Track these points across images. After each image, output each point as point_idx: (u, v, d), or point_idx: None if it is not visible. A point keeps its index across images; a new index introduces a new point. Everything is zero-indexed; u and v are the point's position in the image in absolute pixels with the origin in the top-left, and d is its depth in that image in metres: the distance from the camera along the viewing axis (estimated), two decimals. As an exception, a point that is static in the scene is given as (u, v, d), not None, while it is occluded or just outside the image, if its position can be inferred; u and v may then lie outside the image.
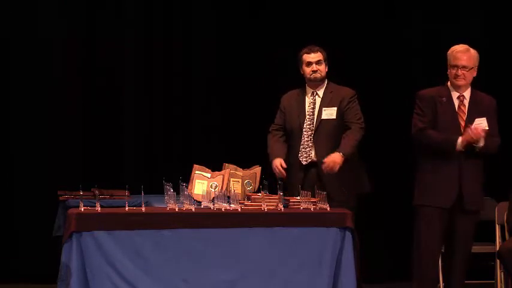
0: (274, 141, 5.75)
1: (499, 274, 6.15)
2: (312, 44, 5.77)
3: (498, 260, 5.92)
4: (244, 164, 5.51)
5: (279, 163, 5.56)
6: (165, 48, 7.12)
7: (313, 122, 5.65)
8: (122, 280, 4.67)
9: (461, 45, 5.28)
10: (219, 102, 7.19)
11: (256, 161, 5.54)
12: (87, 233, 4.64)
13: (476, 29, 7.20)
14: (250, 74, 7.11)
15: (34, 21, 6.95)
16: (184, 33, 7.16)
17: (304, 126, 5.65)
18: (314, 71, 5.67)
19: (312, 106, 5.70)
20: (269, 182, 5.27)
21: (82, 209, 4.77)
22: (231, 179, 5.34)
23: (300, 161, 5.65)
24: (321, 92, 5.72)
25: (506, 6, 7.24)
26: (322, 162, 5.45)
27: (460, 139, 5.14)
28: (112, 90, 7.06)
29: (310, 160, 5.64)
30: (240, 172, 5.42)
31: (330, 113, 5.64)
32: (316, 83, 5.70)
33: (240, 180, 5.38)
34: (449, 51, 5.28)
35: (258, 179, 5.41)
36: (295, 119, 5.70)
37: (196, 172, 5.36)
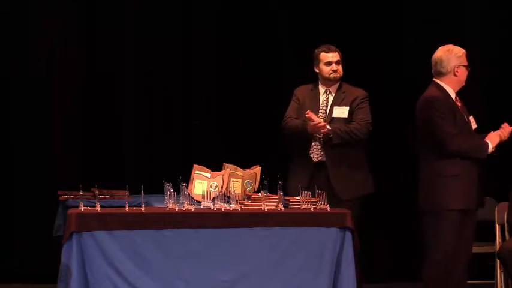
0: (295, 120, 5.69)
1: (499, 274, 6.15)
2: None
3: (498, 260, 5.92)
4: (244, 164, 5.51)
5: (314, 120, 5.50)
6: (165, 48, 7.13)
7: (325, 120, 5.64)
8: (122, 280, 4.67)
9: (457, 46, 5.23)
10: (219, 102, 7.19)
11: (256, 161, 5.53)
12: (87, 233, 4.64)
13: (475, 28, 7.20)
14: (250, 74, 7.11)
15: (34, 21, 6.96)
16: (184, 32, 7.17)
17: None
18: (334, 71, 5.68)
19: (325, 104, 5.72)
20: (269, 182, 5.28)
21: (82, 209, 4.77)
22: (231, 179, 5.34)
23: (311, 157, 5.64)
24: (334, 91, 5.73)
25: (505, 6, 7.24)
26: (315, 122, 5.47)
27: (489, 143, 5.10)
28: (112, 90, 7.06)
29: (320, 158, 5.63)
30: (240, 172, 5.41)
31: (341, 111, 5.65)
32: (332, 82, 5.70)
33: (240, 180, 5.37)
34: (460, 53, 5.16)
35: (258, 179, 5.41)
36: None
37: (196, 172, 5.35)
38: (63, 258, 4.63)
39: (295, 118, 5.71)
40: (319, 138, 5.62)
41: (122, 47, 7.07)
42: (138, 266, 4.69)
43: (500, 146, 5.17)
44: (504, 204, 5.99)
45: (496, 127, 5.28)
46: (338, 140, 5.55)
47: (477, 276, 6.25)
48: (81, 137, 7.01)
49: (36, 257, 6.74)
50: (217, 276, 4.79)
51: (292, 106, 5.80)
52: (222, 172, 5.37)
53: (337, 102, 5.69)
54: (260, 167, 5.46)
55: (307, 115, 5.52)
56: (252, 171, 5.44)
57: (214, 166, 5.45)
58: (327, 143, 5.59)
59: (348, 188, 5.55)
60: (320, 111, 5.69)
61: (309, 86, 5.82)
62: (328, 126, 5.54)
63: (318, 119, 5.54)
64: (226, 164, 5.46)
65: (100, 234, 4.66)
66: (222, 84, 7.16)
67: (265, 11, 7.19)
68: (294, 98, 5.83)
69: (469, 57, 5.21)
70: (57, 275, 4.65)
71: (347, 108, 5.65)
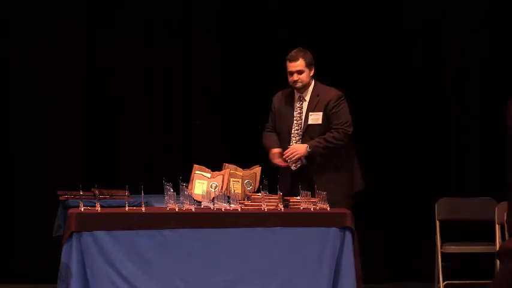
0: (269, 135, 5.71)
1: (499, 274, 6.14)
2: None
3: (498, 260, 5.92)
4: (244, 164, 5.51)
5: (276, 154, 5.54)
6: (165, 48, 7.13)
7: (300, 128, 5.61)
8: (122, 280, 4.68)
9: None
10: (219, 102, 7.19)
11: (256, 161, 5.53)
12: (87, 233, 4.65)
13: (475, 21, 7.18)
14: (251, 74, 7.11)
15: (34, 21, 6.96)
16: (185, 32, 7.17)
17: (292, 131, 5.62)
18: (295, 81, 5.59)
19: (299, 111, 5.64)
20: (269, 182, 5.28)
21: (82, 209, 4.77)
22: (231, 179, 5.34)
23: (289, 166, 5.63)
24: (307, 97, 5.63)
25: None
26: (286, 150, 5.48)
27: None
28: (112, 90, 7.06)
29: (300, 165, 5.60)
30: (240, 172, 5.41)
31: (316, 118, 5.57)
32: (300, 89, 5.65)
33: (240, 180, 5.37)
34: None
35: (258, 179, 5.41)
36: (283, 122, 5.66)
37: (196, 172, 5.35)
38: (63, 258, 4.64)
39: (272, 128, 5.71)
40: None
41: (122, 46, 7.06)
42: (138, 266, 4.70)
43: None
44: (504, 204, 5.97)
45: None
46: (321, 158, 5.48)
47: (477, 276, 6.26)
48: (81, 137, 7.00)
49: (36, 257, 6.74)
50: (217, 276, 4.79)
51: (271, 116, 5.78)
52: (222, 172, 5.37)
53: (311, 107, 5.59)
54: (260, 167, 5.46)
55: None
56: (252, 171, 5.44)
57: (214, 166, 5.45)
58: (312, 163, 5.52)
59: (331, 190, 5.33)
60: (295, 118, 5.65)
61: (286, 91, 5.73)
62: (308, 148, 5.47)
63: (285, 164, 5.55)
64: (226, 164, 5.46)
65: (100, 234, 4.67)
66: (222, 84, 7.16)
67: (266, 11, 7.19)
68: (271, 107, 5.79)
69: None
70: (57, 275, 4.66)
71: (321, 114, 5.57)
